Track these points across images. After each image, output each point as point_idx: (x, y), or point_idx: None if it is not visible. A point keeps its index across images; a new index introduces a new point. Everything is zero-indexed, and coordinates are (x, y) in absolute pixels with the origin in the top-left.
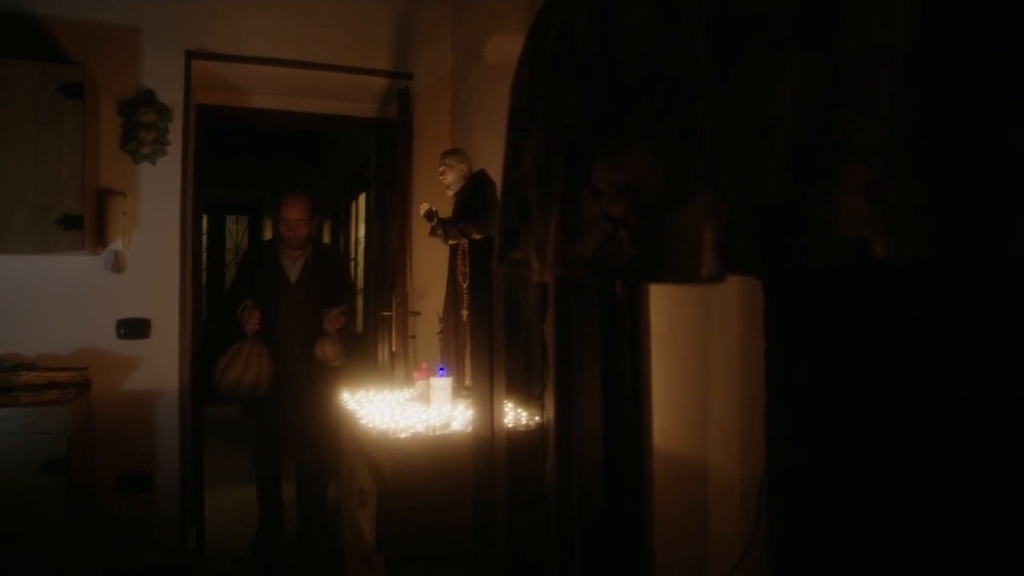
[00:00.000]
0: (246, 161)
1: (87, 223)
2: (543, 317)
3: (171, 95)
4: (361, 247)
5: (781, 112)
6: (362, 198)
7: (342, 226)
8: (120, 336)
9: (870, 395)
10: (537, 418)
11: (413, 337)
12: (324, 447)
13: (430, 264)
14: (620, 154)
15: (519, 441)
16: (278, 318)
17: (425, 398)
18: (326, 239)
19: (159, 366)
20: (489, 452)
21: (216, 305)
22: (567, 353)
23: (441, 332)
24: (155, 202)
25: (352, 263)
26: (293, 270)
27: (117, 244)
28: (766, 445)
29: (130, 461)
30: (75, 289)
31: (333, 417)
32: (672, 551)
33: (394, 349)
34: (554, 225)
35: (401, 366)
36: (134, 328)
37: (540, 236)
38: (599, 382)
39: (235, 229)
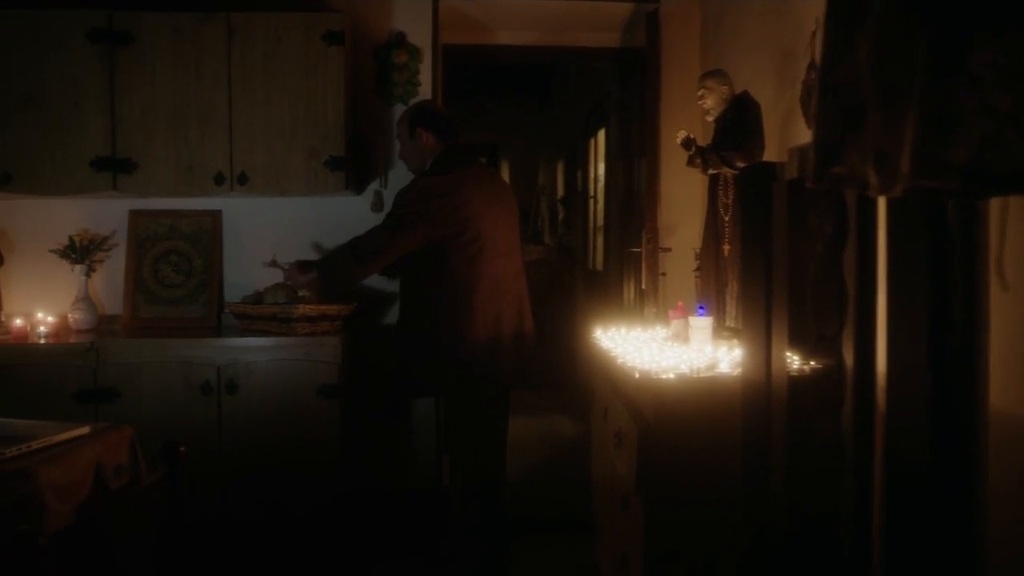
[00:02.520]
0: (480, 103)
1: (349, 164)
2: (841, 247)
3: (420, 36)
4: (600, 185)
5: None
6: (601, 135)
7: (580, 164)
8: (380, 273)
9: None
10: (814, 362)
11: (663, 274)
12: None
13: (680, 198)
14: (1012, 27)
15: (802, 386)
16: None
17: (682, 338)
18: (559, 179)
19: None
20: (764, 397)
21: None
22: (871, 288)
23: (698, 269)
24: None
25: (591, 201)
26: None
27: (375, 184)
28: None
29: (391, 391)
30: (340, 228)
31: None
32: (1006, 528)
33: (643, 287)
34: (910, 127)
35: (651, 304)
36: (393, 266)
37: (884, 144)
38: (925, 324)
39: None
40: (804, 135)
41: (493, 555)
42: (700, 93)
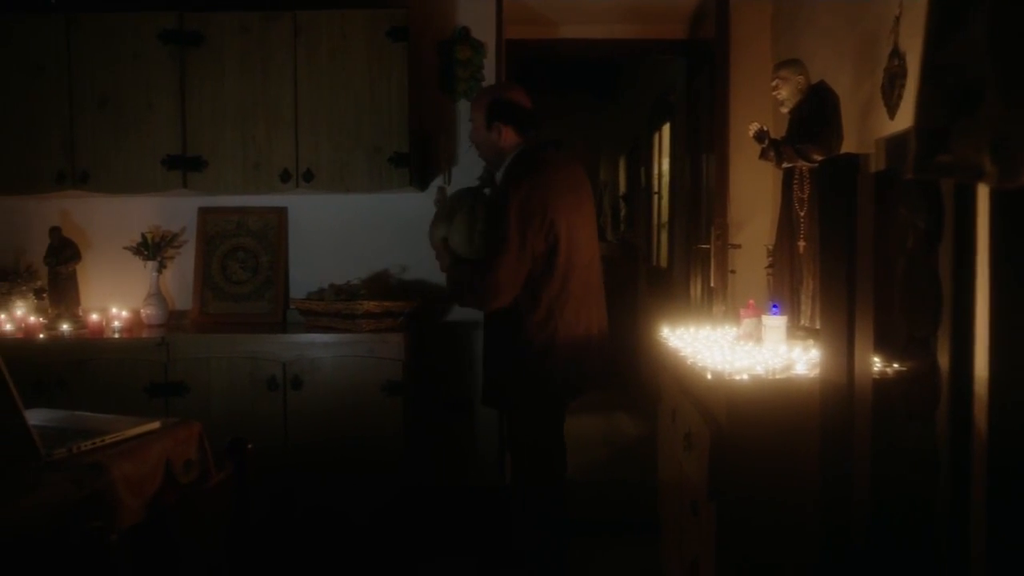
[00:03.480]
0: (543, 100)
1: (412, 161)
2: (935, 243)
3: (484, 31)
4: (665, 180)
5: None
6: (665, 129)
7: (643, 159)
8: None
9: None
10: (901, 364)
11: (733, 272)
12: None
13: (749, 193)
14: None
15: (888, 389)
16: None
17: (755, 337)
18: (621, 175)
19: None
20: (845, 400)
21: None
22: (969, 287)
23: (771, 266)
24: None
25: (655, 197)
26: None
27: (439, 180)
28: None
29: (453, 388)
30: (404, 224)
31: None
32: None
33: (712, 284)
34: None
35: (720, 303)
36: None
37: (1005, 128)
38: None
39: None
40: (886, 126)
41: (555, 554)
42: (774, 84)
